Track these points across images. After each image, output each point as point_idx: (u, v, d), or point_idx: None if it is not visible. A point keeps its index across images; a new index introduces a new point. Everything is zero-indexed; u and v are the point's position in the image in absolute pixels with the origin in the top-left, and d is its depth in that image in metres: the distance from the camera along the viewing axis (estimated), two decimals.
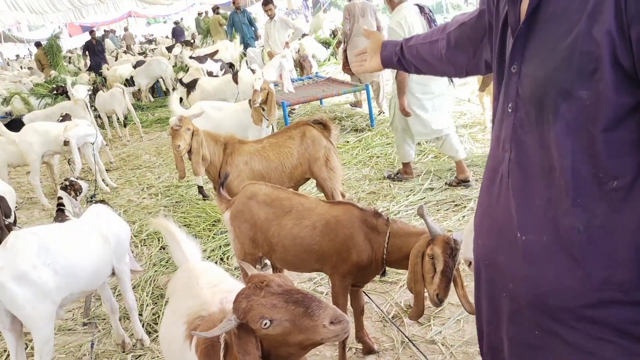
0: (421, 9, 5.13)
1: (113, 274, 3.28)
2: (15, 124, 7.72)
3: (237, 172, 4.20)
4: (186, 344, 1.93)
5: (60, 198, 4.53)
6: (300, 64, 11.06)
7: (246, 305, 1.51)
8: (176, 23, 24.18)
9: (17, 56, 31.90)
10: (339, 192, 4.44)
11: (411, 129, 5.25)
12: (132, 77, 11.92)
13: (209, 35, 16.37)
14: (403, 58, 1.84)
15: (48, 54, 14.75)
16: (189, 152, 4.19)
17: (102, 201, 3.72)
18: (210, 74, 10.21)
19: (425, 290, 2.36)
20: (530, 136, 1.20)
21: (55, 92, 10.59)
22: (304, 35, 12.80)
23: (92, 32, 17.37)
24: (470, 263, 2.03)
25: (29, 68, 20.27)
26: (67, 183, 4.59)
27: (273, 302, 1.48)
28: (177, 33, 21.84)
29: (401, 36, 4.83)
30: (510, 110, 1.25)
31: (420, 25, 5.07)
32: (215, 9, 16.34)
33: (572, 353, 1.23)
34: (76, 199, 4.55)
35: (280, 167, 4.29)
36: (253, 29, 12.02)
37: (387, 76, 8.26)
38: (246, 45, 11.74)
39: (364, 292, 3.35)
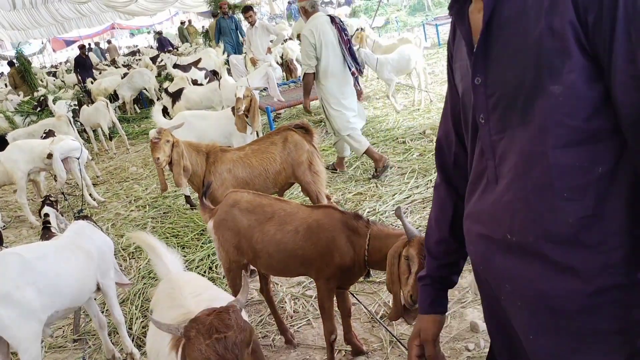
0: (332, 19, 5.60)
1: (98, 289, 3.27)
2: None
3: (220, 180, 4.20)
4: (172, 355, 1.92)
5: (46, 215, 4.51)
6: (288, 67, 11.07)
7: (192, 336, 1.59)
8: (159, 33, 24.12)
9: (2, 74, 31.70)
10: (324, 195, 4.45)
11: (334, 127, 5.77)
12: (115, 91, 11.89)
13: (207, 40, 16.43)
14: (448, 255, 1.57)
15: (20, 71, 14.80)
16: (170, 163, 4.18)
17: (85, 216, 3.71)
18: (195, 82, 10.20)
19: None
20: (508, 141, 1.21)
21: (38, 108, 10.56)
22: (286, 39, 12.81)
23: (82, 48, 17.34)
24: None
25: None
26: (54, 199, 4.59)
27: (209, 355, 1.54)
28: (163, 43, 21.85)
29: (312, 44, 5.46)
30: (482, 121, 1.26)
31: (331, 32, 5.51)
32: (215, 15, 16.12)
33: (571, 350, 1.23)
34: (62, 215, 4.55)
35: (264, 173, 4.29)
36: (240, 35, 12.05)
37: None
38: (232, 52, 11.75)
39: (352, 294, 3.37)
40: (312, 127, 4.50)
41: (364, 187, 5.54)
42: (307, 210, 2.90)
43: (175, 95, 8.95)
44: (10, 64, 16.43)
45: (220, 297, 2.14)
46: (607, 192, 1.12)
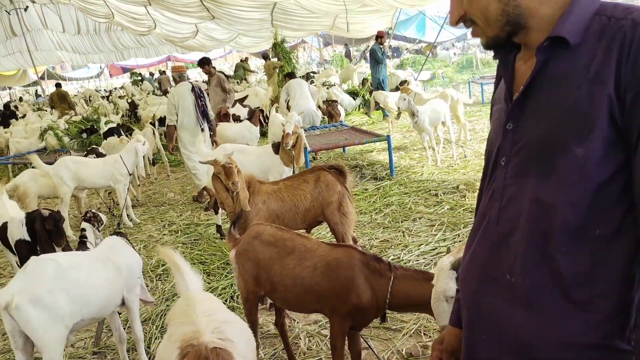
0: (192, 87, 7.51)
1: (123, 303, 3.41)
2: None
3: (255, 210, 4.34)
4: None
5: (83, 230, 4.70)
6: (329, 112, 11.31)
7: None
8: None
9: (40, 95, 33.08)
10: (350, 237, 4.53)
11: (186, 165, 7.74)
12: (163, 117, 12.36)
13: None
14: None
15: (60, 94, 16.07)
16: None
17: (121, 233, 3.88)
18: (237, 118, 10.55)
19: None
20: (520, 187, 1.29)
21: (85, 134, 11.11)
22: (332, 84, 13.16)
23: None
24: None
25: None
26: (91, 214, 4.79)
27: None
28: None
29: (173, 104, 7.47)
30: (502, 164, 1.34)
31: (189, 98, 7.41)
32: (266, 57, 16.26)
33: None
34: (98, 230, 4.73)
35: (294, 209, 4.42)
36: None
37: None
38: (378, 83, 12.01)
39: (364, 339, 3.40)
40: (347, 169, 4.62)
41: (390, 235, 5.59)
42: (327, 247, 2.99)
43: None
44: (58, 85, 17.42)
45: (230, 320, 2.24)
46: (602, 255, 1.19)
